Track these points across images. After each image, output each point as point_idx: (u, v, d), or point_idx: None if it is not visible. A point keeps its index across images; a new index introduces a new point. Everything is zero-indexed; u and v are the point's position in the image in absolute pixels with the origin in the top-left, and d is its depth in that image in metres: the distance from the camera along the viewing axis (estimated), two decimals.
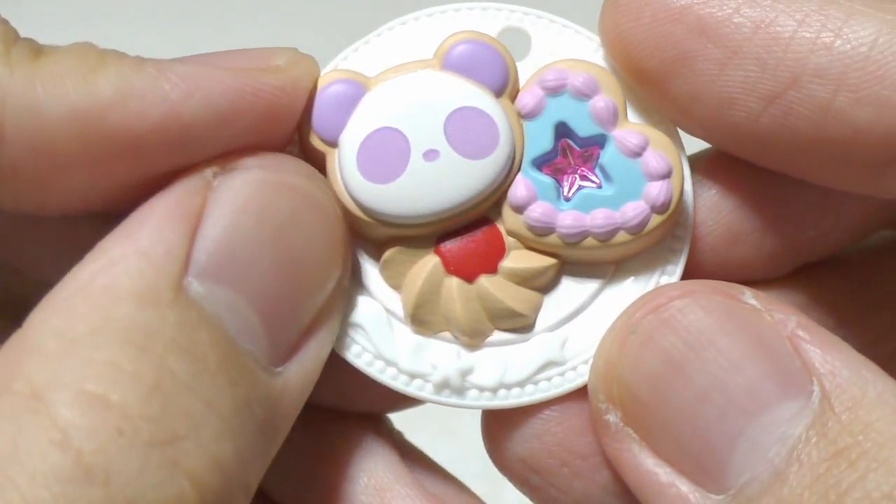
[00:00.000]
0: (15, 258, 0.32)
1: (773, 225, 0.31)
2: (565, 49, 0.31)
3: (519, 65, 0.31)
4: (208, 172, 0.27)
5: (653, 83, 0.29)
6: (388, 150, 0.29)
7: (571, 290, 0.30)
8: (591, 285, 0.30)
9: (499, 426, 0.30)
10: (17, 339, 0.25)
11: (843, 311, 0.32)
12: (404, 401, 0.31)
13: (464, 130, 0.29)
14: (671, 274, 0.30)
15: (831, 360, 0.26)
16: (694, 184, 0.31)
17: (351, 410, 0.32)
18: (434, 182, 0.28)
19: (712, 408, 0.27)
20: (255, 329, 0.26)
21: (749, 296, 0.27)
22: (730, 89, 0.28)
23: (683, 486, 0.27)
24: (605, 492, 0.30)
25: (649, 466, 0.27)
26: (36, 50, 0.27)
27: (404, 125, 0.29)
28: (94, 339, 0.24)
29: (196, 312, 0.25)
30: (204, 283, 0.26)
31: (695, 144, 0.31)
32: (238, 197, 0.27)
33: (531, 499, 0.31)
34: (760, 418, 0.26)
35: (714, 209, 0.31)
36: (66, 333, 0.24)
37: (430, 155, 0.29)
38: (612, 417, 0.28)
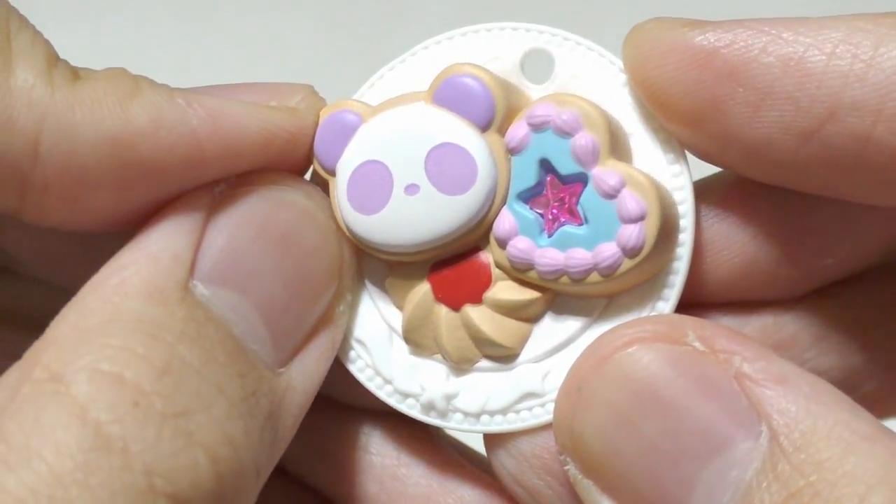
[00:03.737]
0: (37, 271, 0.34)
1: (790, 253, 0.30)
2: (588, 73, 0.30)
3: (541, 87, 0.31)
4: (215, 188, 0.29)
5: (684, 126, 0.29)
6: (373, 183, 0.30)
7: (560, 323, 0.30)
8: (579, 320, 0.30)
9: (494, 438, 0.31)
10: (38, 340, 0.27)
11: (864, 331, 0.31)
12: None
13: (443, 166, 0.29)
14: (662, 312, 0.29)
15: (778, 396, 0.25)
16: (710, 212, 0.30)
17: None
18: (414, 215, 0.29)
19: (664, 456, 0.26)
20: (258, 331, 0.28)
21: (692, 337, 0.27)
22: (765, 130, 0.27)
23: None
24: None
25: None
26: (74, 73, 0.28)
27: (389, 159, 0.30)
28: (107, 327, 0.26)
29: (203, 311, 0.27)
30: (209, 287, 0.28)
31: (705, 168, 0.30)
32: (240, 210, 0.29)
33: None
34: (714, 462, 0.26)
35: (730, 238, 0.30)
36: (80, 325, 0.26)
37: (411, 189, 0.29)
38: (571, 468, 0.28)
